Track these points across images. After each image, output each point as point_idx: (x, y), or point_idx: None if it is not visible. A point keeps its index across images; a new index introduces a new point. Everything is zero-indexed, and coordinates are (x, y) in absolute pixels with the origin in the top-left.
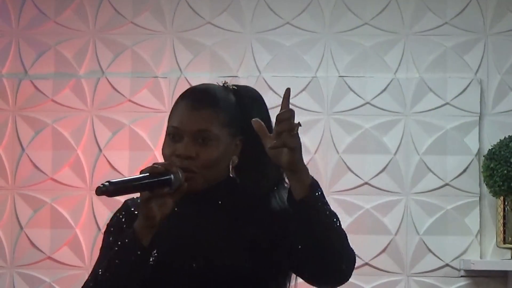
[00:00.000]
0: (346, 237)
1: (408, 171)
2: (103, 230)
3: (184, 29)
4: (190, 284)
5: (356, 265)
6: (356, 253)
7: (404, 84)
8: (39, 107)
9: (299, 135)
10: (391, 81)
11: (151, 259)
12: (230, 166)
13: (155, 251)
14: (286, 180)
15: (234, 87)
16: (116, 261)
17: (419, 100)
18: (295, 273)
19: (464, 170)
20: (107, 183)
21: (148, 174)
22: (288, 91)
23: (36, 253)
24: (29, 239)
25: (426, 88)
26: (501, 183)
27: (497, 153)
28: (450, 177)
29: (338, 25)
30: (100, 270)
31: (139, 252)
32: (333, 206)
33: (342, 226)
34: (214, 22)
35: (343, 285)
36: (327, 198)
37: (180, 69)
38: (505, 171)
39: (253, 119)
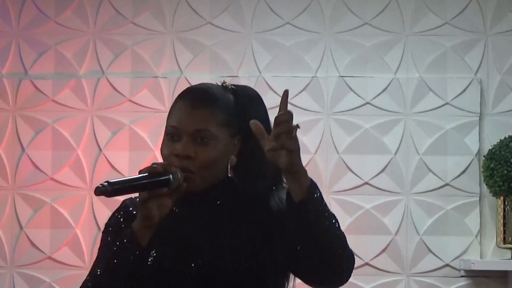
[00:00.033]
0: (345, 238)
1: (408, 171)
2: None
3: (184, 29)
4: (189, 285)
5: (356, 265)
6: (356, 253)
7: (404, 84)
8: (39, 107)
9: (298, 136)
10: (391, 81)
11: (149, 260)
12: (229, 166)
13: (153, 252)
14: (285, 180)
15: (232, 86)
16: (115, 261)
17: (419, 100)
18: (294, 274)
19: (464, 170)
20: (106, 183)
21: (147, 174)
22: (286, 92)
23: (36, 253)
24: (29, 239)
25: (426, 88)
26: (501, 183)
27: (497, 153)
28: (450, 177)
29: (338, 25)
30: (98, 270)
31: (137, 252)
32: (333, 206)
33: (342, 227)
34: (214, 22)
35: (342, 286)
36: (327, 198)
37: (180, 69)
38: (505, 171)
39: (251, 121)
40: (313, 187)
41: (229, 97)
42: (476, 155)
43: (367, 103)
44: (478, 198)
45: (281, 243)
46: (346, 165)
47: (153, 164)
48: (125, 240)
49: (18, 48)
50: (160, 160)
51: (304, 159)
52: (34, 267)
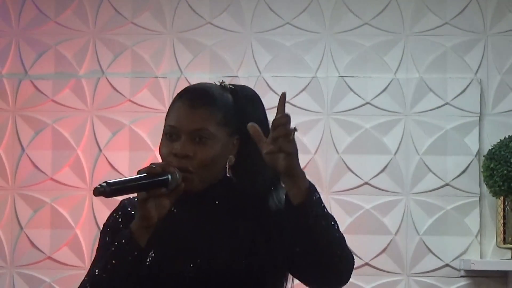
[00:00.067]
0: (344, 239)
1: (408, 171)
2: None
3: (184, 29)
4: (188, 285)
5: (356, 265)
6: (356, 253)
7: (404, 84)
8: (39, 107)
9: (298, 136)
10: (391, 81)
11: (148, 260)
12: (227, 166)
13: (152, 252)
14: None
15: (231, 86)
16: (113, 261)
17: (419, 100)
18: (293, 276)
19: (464, 170)
20: (104, 184)
21: (145, 174)
22: (283, 95)
23: (36, 253)
24: (29, 239)
25: (426, 88)
26: (501, 183)
27: (497, 153)
28: (450, 177)
29: (338, 25)
30: (96, 271)
31: (135, 253)
32: (333, 206)
33: (342, 227)
34: (214, 22)
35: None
36: (327, 198)
37: (180, 69)
38: (505, 171)
39: (249, 124)
40: (311, 189)
41: (227, 97)
42: (476, 155)
43: (367, 103)
44: (478, 198)
45: (280, 243)
46: (346, 165)
47: (151, 164)
48: (123, 241)
49: (18, 48)
50: (160, 160)
51: (304, 159)
52: (34, 267)
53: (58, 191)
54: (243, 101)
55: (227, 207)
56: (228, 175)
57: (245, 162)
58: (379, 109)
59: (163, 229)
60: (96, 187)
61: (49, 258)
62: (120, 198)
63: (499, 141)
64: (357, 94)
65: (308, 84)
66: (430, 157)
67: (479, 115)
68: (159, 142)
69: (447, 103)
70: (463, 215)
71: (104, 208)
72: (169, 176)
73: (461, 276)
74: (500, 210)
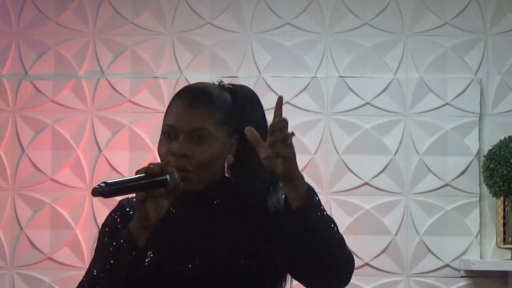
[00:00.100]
0: (344, 241)
1: (408, 172)
2: None
3: (184, 29)
4: (186, 285)
5: (356, 265)
6: (356, 253)
7: (404, 85)
8: (39, 108)
9: (299, 136)
10: (391, 81)
11: (146, 260)
12: (226, 165)
13: (150, 252)
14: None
15: (229, 86)
16: (111, 261)
17: (419, 100)
18: (293, 278)
19: (464, 171)
20: (103, 184)
21: (144, 174)
22: (280, 99)
23: (36, 254)
24: (29, 239)
25: (426, 89)
26: (501, 183)
27: (497, 154)
28: (450, 177)
29: (338, 26)
30: (94, 271)
31: (134, 253)
32: (333, 207)
33: (342, 227)
34: (214, 23)
35: None
36: (327, 199)
37: (180, 70)
38: (505, 172)
39: (246, 128)
40: (310, 192)
41: (226, 96)
42: (476, 156)
43: (367, 103)
44: (478, 199)
45: (279, 243)
46: (346, 165)
47: (150, 164)
48: (121, 241)
49: (18, 49)
50: (159, 160)
51: (304, 159)
52: (34, 268)
53: (58, 192)
54: (242, 101)
55: (226, 208)
56: (227, 175)
57: (243, 162)
58: (379, 109)
59: (162, 229)
60: (95, 187)
61: (49, 258)
62: (119, 198)
63: (499, 141)
64: (357, 95)
65: (308, 84)
66: (430, 157)
67: (479, 115)
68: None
69: (447, 103)
70: (463, 215)
71: (104, 209)
72: (168, 176)
73: (461, 277)
74: (500, 210)
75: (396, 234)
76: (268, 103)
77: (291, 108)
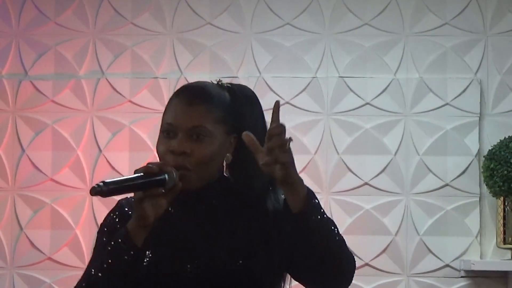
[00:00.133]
0: (345, 242)
1: (408, 172)
2: None
3: (184, 29)
4: (185, 285)
5: (356, 265)
6: (356, 253)
7: (404, 85)
8: (39, 108)
9: (299, 137)
10: (391, 81)
11: (145, 260)
12: (225, 164)
13: (149, 253)
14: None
15: (228, 85)
16: (109, 261)
17: (419, 100)
18: (295, 279)
19: (464, 171)
20: (101, 183)
21: (142, 174)
22: (277, 104)
23: (36, 254)
24: (29, 239)
25: (426, 89)
26: (501, 183)
27: (497, 154)
28: (450, 177)
29: (338, 26)
30: (92, 270)
31: (132, 252)
32: (333, 207)
33: (342, 227)
34: (214, 23)
35: None
36: (327, 199)
37: (180, 70)
38: (505, 172)
39: (243, 133)
40: (310, 196)
41: (225, 95)
42: (476, 156)
43: (367, 103)
44: (478, 199)
45: (278, 244)
46: (346, 165)
47: (148, 163)
48: (119, 240)
49: (18, 49)
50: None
51: (304, 159)
52: (34, 268)
53: (58, 192)
54: (241, 100)
55: (225, 207)
56: (226, 175)
57: (242, 161)
58: (379, 110)
59: (161, 229)
60: (93, 186)
61: (49, 258)
62: (117, 198)
63: (499, 141)
64: (357, 95)
65: (308, 84)
66: (430, 158)
67: (479, 115)
68: None
69: (447, 104)
70: (463, 215)
71: (104, 209)
72: (166, 176)
73: (461, 277)
74: (500, 210)
75: (396, 234)
76: (268, 103)
77: (291, 108)
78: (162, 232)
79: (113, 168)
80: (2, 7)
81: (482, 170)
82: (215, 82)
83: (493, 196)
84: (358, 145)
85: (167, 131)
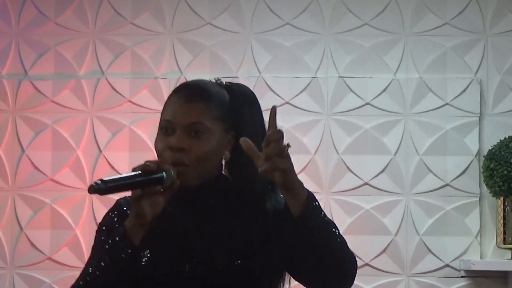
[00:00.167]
0: (346, 244)
1: (408, 172)
2: None
3: (184, 29)
4: (184, 285)
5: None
6: (356, 253)
7: (404, 85)
8: (39, 108)
9: (298, 136)
10: (391, 81)
11: (143, 260)
12: (223, 162)
13: (147, 252)
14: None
15: (227, 83)
16: (106, 259)
17: (419, 100)
18: (294, 278)
19: (464, 171)
20: (99, 181)
21: (140, 172)
22: (274, 109)
23: (36, 254)
24: (29, 240)
25: (426, 89)
26: (501, 183)
27: (497, 154)
28: (450, 177)
29: (338, 26)
30: (90, 269)
31: (129, 251)
32: (333, 207)
33: (342, 227)
34: (214, 23)
35: None
36: (327, 199)
37: (180, 70)
38: (505, 172)
39: (241, 139)
40: (310, 199)
41: (223, 93)
42: (476, 156)
43: (367, 103)
44: (478, 199)
45: (278, 244)
46: (346, 165)
47: (146, 162)
48: (117, 238)
49: (18, 49)
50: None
51: (304, 159)
52: (34, 268)
53: (58, 192)
54: (240, 100)
55: (223, 207)
56: (224, 173)
57: (241, 160)
58: (379, 110)
59: (159, 228)
60: (91, 184)
61: (49, 258)
62: (115, 197)
63: (499, 141)
64: (357, 95)
65: (308, 84)
66: (430, 158)
67: (479, 115)
68: None
69: (447, 103)
70: (463, 215)
71: (104, 209)
72: (164, 174)
73: (461, 277)
74: (500, 210)
75: (396, 234)
76: (268, 103)
77: (291, 108)
78: (160, 231)
79: (113, 168)
80: (2, 7)
81: (482, 170)
82: (214, 81)
83: (493, 196)
84: (358, 145)
85: (165, 128)
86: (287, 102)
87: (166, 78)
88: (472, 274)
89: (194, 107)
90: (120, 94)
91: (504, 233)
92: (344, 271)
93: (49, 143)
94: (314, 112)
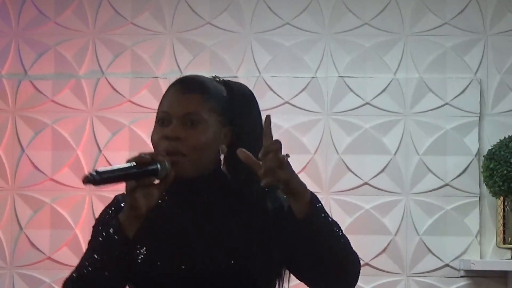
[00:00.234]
0: (349, 244)
1: (408, 171)
2: None
3: (183, 29)
4: (180, 283)
5: None
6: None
7: (404, 84)
8: (39, 108)
9: (298, 136)
10: (391, 81)
11: (139, 258)
12: (222, 156)
13: (144, 249)
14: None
15: (225, 80)
16: (101, 251)
17: (419, 100)
18: (296, 277)
19: (464, 170)
20: (94, 172)
21: (134, 163)
22: (268, 118)
23: (36, 254)
24: (29, 239)
25: (426, 88)
26: (501, 183)
27: (497, 153)
28: (450, 177)
29: (338, 25)
30: (84, 262)
31: (123, 243)
32: (333, 207)
33: (342, 227)
34: (214, 23)
35: None
36: (327, 199)
37: (180, 70)
38: (505, 171)
39: (238, 149)
40: (313, 200)
41: (221, 88)
42: (475, 155)
43: (367, 103)
44: (478, 198)
45: (277, 243)
46: (346, 165)
47: (141, 153)
48: (111, 231)
49: (17, 49)
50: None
51: (304, 159)
52: (34, 268)
53: (58, 192)
54: (239, 97)
55: (222, 205)
56: (222, 170)
57: (239, 158)
58: (378, 109)
59: (156, 226)
60: (86, 175)
61: (49, 258)
62: (111, 195)
63: (499, 141)
64: (356, 94)
65: (307, 84)
66: (430, 157)
67: (479, 115)
68: None
69: (447, 103)
70: (463, 215)
71: None
72: (158, 165)
73: (461, 276)
74: (500, 210)
75: (396, 234)
76: (267, 103)
77: (291, 108)
78: (157, 229)
79: None
80: (2, 7)
81: (482, 170)
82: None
83: (493, 196)
84: (358, 145)
85: (162, 119)
86: (287, 102)
87: (166, 78)
88: (472, 274)
89: (191, 98)
90: (120, 94)
91: (504, 233)
92: (347, 272)
93: (49, 143)
94: (314, 112)
